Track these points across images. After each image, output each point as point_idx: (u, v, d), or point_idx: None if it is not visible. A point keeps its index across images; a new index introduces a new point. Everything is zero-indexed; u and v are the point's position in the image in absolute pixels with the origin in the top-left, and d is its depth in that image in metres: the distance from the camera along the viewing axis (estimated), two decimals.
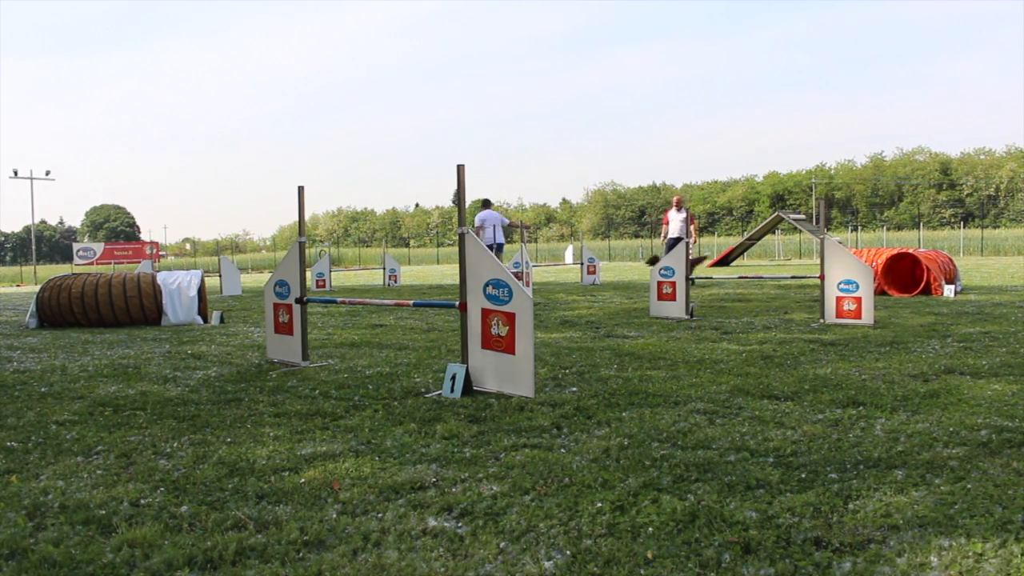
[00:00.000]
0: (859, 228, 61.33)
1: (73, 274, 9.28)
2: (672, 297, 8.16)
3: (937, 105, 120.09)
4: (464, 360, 4.22)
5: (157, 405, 4.05)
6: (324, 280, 17.42)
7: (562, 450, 2.98)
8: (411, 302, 5.14)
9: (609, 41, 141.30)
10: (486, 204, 14.06)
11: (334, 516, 2.31)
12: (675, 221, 16.18)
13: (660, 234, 16.29)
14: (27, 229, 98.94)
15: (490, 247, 13.62)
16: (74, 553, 2.07)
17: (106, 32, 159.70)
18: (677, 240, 15.78)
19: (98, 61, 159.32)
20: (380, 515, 2.31)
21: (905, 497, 2.36)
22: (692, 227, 17.00)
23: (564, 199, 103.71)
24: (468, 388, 4.12)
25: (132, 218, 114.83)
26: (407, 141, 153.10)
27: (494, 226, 13.85)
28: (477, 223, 13.72)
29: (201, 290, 8.98)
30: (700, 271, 23.67)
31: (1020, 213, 68.81)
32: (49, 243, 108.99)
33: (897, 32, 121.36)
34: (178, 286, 8.83)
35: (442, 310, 9.42)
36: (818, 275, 7.42)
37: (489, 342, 4.12)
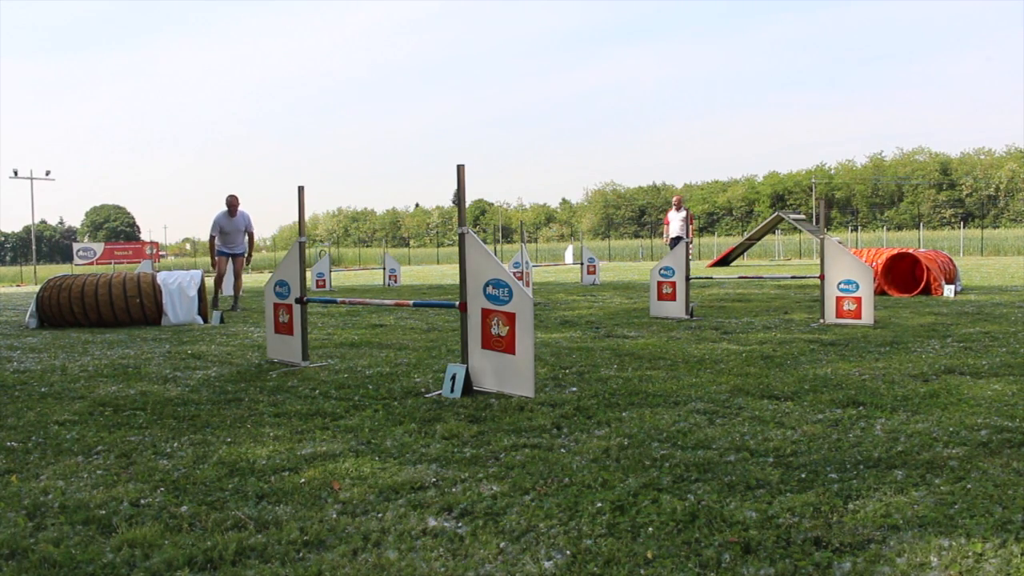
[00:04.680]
0: (859, 228, 61.34)
1: (73, 274, 9.28)
2: (672, 297, 8.16)
3: (937, 105, 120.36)
4: (464, 360, 4.22)
5: (157, 405, 4.05)
6: (324, 280, 17.42)
7: (562, 450, 2.98)
8: (411, 302, 5.14)
9: (608, 41, 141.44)
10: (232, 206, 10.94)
11: (334, 516, 2.31)
12: (675, 221, 16.26)
13: (662, 234, 16.30)
14: (27, 229, 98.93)
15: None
16: (74, 553, 2.07)
17: (106, 32, 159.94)
18: (678, 239, 15.84)
19: (98, 61, 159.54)
20: (380, 515, 2.31)
21: (905, 497, 2.36)
22: (691, 227, 17.10)
23: (564, 199, 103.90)
24: (468, 388, 4.12)
25: (132, 218, 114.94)
26: (407, 141, 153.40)
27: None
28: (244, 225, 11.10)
29: (201, 290, 8.99)
30: (699, 271, 23.71)
31: (1020, 213, 68.83)
32: (49, 243, 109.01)
33: (897, 32, 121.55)
34: (178, 286, 8.83)
35: (442, 310, 9.41)
36: (818, 275, 7.42)
37: (489, 342, 4.12)
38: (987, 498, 2.33)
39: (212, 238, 11.02)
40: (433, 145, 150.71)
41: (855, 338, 6.09)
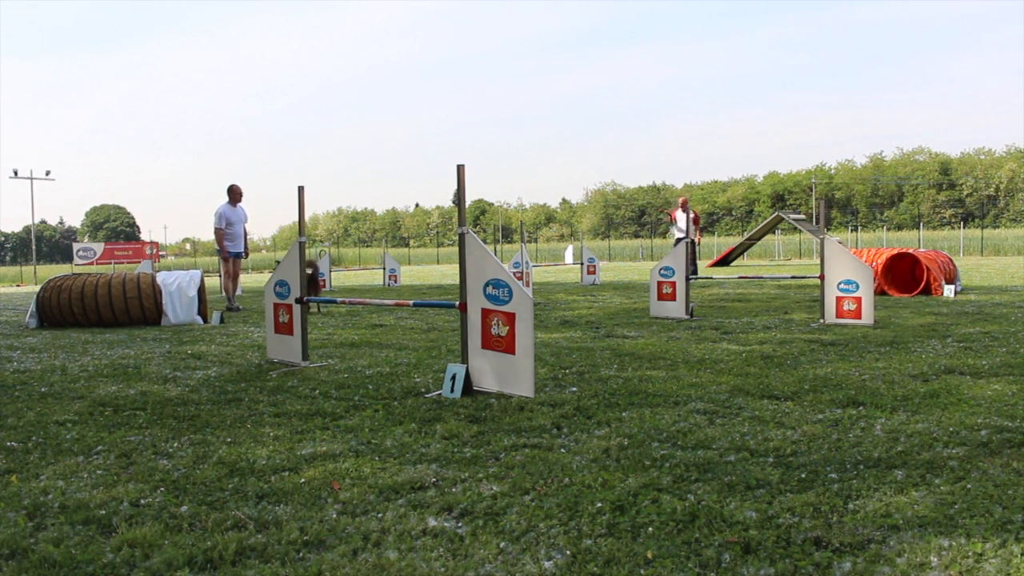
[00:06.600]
0: (859, 228, 61.33)
1: (73, 274, 9.28)
2: (672, 297, 8.15)
3: (937, 105, 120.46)
4: (464, 360, 4.22)
5: (157, 405, 4.05)
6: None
7: (562, 450, 2.98)
8: (411, 302, 5.14)
9: (608, 41, 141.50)
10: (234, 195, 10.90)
11: (334, 516, 2.31)
12: (681, 221, 16.37)
13: (665, 232, 16.48)
14: (27, 229, 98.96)
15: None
16: (74, 553, 2.07)
17: (106, 32, 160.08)
18: (683, 239, 15.93)
19: (98, 61, 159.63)
20: (380, 515, 2.31)
21: (905, 497, 2.36)
22: (696, 227, 17.20)
23: (564, 199, 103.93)
24: (468, 388, 4.12)
25: (132, 218, 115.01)
26: (407, 141, 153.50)
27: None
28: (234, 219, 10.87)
29: (201, 290, 8.98)
30: (699, 271, 23.80)
31: (1020, 213, 68.86)
32: (49, 243, 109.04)
33: (897, 32, 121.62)
34: (178, 286, 8.83)
35: (442, 310, 9.41)
36: (818, 275, 7.41)
37: (489, 342, 4.12)
38: (987, 498, 2.33)
39: (219, 230, 10.81)
40: (433, 145, 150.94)
41: (855, 338, 6.08)
